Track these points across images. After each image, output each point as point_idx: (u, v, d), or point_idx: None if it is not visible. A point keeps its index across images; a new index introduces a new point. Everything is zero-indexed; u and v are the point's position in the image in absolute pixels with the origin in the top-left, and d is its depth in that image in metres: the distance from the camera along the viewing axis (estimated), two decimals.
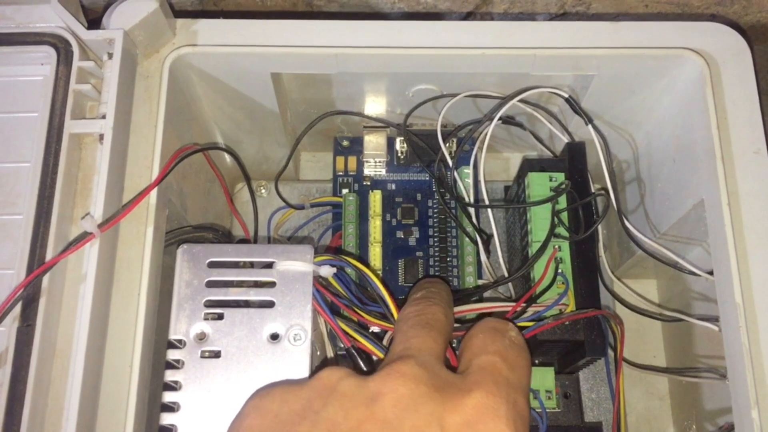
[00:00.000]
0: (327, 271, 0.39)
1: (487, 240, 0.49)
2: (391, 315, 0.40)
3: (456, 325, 0.39)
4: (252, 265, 0.39)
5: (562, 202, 0.45)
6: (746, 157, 0.40)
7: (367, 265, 0.41)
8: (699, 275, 0.43)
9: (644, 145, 0.51)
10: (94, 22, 0.42)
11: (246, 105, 0.49)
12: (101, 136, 0.38)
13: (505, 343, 0.35)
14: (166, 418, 0.35)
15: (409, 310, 0.37)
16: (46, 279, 0.35)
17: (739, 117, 0.41)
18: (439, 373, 0.32)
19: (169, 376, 0.36)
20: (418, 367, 0.31)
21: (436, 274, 0.50)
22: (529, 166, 0.46)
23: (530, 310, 0.41)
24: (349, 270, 0.42)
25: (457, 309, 0.41)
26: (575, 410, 0.45)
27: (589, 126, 0.45)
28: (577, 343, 0.43)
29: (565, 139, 0.48)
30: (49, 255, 0.36)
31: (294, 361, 0.36)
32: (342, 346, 0.40)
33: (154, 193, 0.39)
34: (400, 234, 0.52)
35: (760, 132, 0.41)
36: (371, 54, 0.43)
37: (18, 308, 0.35)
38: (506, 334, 0.35)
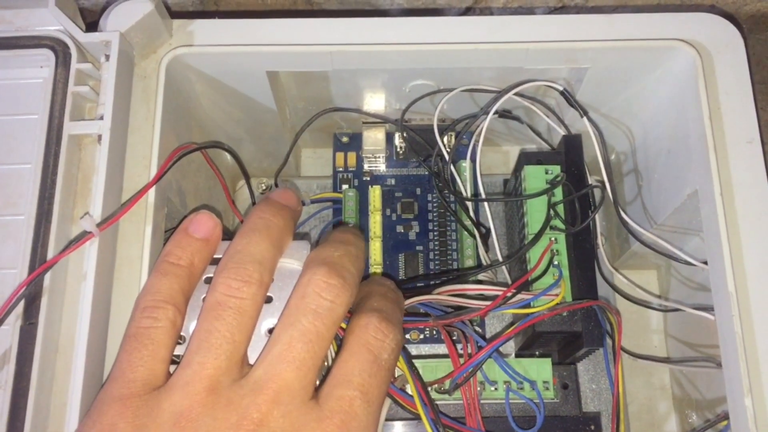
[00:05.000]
0: None
1: (486, 234, 0.49)
2: None
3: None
4: None
5: (559, 194, 0.45)
6: (739, 147, 0.40)
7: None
8: (695, 265, 0.44)
9: (641, 137, 0.51)
10: (94, 24, 0.42)
11: (244, 103, 0.49)
12: (100, 137, 0.38)
13: (372, 371, 0.32)
14: None
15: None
16: (47, 277, 0.36)
17: (732, 107, 0.41)
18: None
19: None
20: None
21: (437, 267, 0.51)
22: (525, 159, 0.46)
23: (518, 297, 0.41)
24: None
25: (449, 288, 0.42)
26: (573, 400, 0.45)
27: (584, 118, 0.45)
28: (574, 334, 0.43)
29: (562, 132, 0.48)
30: (51, 254, 0.36)
31: None
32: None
33: (152, 192, 0.39)
34: (400, 228, 0.52)
35: (753, 122, 0.41)
36: (366, 51, 0.43)
37: (21, 306, 0.35)
38: (379, 357, 0.32)
